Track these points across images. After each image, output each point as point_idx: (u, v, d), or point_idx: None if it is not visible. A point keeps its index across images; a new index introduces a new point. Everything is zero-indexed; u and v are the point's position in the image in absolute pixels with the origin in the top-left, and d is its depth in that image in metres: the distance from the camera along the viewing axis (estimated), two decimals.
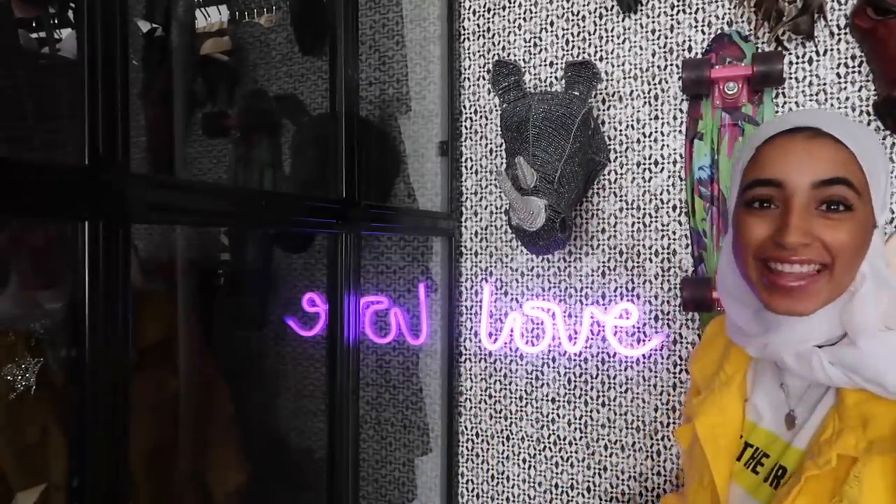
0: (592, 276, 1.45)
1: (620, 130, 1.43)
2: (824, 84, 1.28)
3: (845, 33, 1.26)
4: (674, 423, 1.38)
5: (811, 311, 0.66)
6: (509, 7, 1.53)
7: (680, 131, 1.38)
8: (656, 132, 1.40)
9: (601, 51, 1.45)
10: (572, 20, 1.47)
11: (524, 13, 1.52)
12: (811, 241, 0.64)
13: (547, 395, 1.49)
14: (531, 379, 1.51)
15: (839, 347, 0.67)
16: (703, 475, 0.78)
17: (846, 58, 1.26)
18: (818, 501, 0.65)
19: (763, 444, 0.75)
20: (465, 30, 1.58)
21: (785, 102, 1.30)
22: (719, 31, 1.35)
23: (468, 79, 1.58)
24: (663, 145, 1.39)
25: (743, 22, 1.33)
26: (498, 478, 1.55)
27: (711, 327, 0.91)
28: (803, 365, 0.68)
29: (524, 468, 1.52)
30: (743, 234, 0.69)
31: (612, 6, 1.43)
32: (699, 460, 0.80)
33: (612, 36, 1.43)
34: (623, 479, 1.43)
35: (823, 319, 0.67)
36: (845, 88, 1.26)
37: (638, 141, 1.41)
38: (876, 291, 0.67)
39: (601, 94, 1.44)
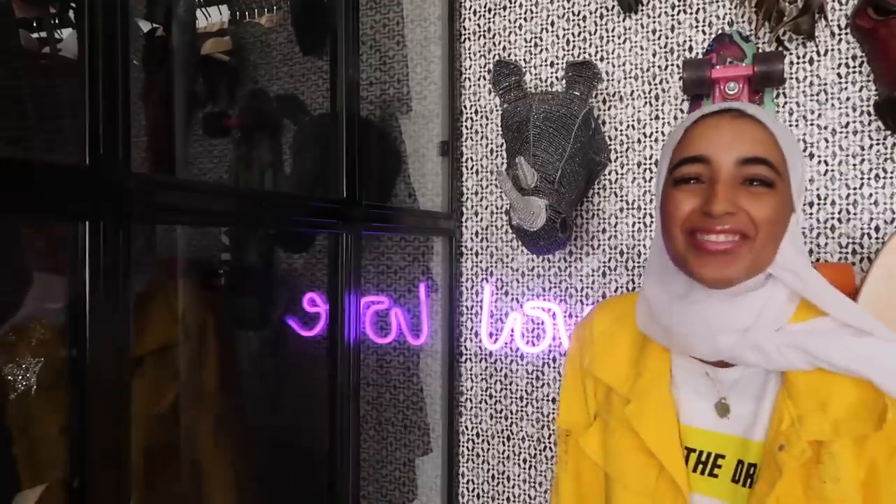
0: (593, 276, 1.45)
1: (621, 130, 1.43)
2: (825, 84, 1.28)
3: (846, 33, 1.26)
4: None
5: (737, 277, 0.68)
6: (510, 7, 1.53)
7: None
8: (657, 132, 1.40)
9: (602, 51, 1.44)
10: (573, 20, 1.47)
11: (525, 13, 1.52)
12: (736, 210, 0.67)
13: (548, 395, 1.49)
14: (532, 379, 1.50)
15: (788, 333, 0.69)
16: (643, 482, 0.76)
17: (847, 58, 1.26)
18: (793, 489, 0.66)
19: (705, 444, 0.74)
20: (465, 30, 1.58)
21: (786, 103, 1.30)
22: (720, 32, 1.34)
23: (469, 79, 1.58)
24: (664, 145, 1.39)
25: (744, 22, 1.33)
26: (498, 478, 1.55)
27: (599, 324, 0.86)
28: (755, 355, 0.69)
29: (525, 468, 1.52)
30: (672, 209, 0.72)
31: (613, 6, 1.43)
32: (637, 468, 0.76)
33: (613, 36, 1.43)
34: None
35: (745, 304, 0.69)
36: (846, 88, 1.26)
37: (639, 141, 1.41)
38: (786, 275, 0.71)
39: (602, 94, 1.44)
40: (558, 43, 1.49)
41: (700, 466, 0.74)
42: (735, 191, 0.68)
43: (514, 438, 1.53)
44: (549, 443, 1.49)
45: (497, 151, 1.55)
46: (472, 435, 1.57)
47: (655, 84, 1.40)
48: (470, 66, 1.58)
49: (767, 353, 0.68)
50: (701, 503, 0.73)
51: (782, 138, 0.70)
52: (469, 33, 1.57)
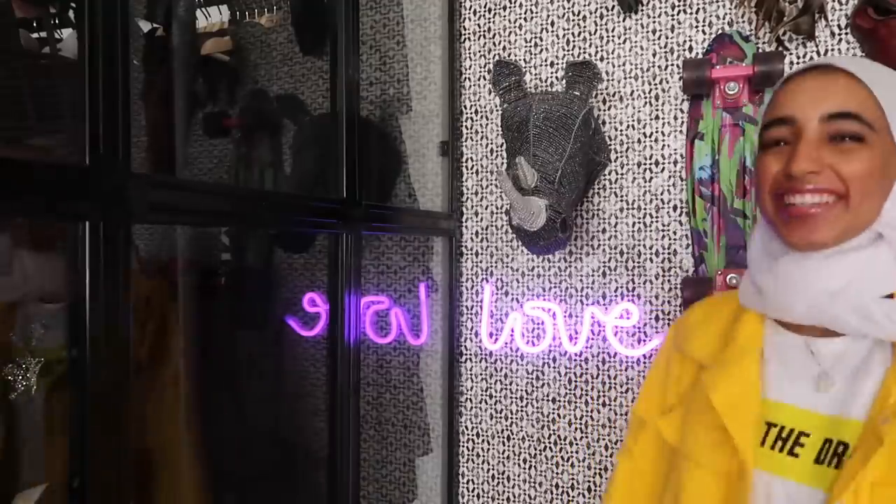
0: (593, 276, 1.45)
1: (621, 130, 1.43)
2: None
3: (846, 33, 1.26)
4: None
5: (828, 241, 0.65)
6: (510, 7, 1.53)
7: (681, 131, 1.38)
8: (657, 132, 1.40)
9: (602, 51, 1.44)
10: (573, 20, 1.47)
11: (525, 13, 1.52)
12: (821, 169, 0.64)
13: (547, 395, 1.49)
14: (532, 379, 1.51)
15: None
16: (716, 460, 0.71)
17: None
18: (892, 460, 0.60)
19: (789, 420, 0.69)
20: (465, 30, 1.58)
21: None
22: (720, 32, 1.34)
23: (469, 79, 1.58)
24: (664, 145, 1.39)
25: (744, 22, 1.33)
26: (498, 478, 1.55)
27: (694, 315, 0.85)
28: (859, 320, 0.65)
29: (525, 468, 1.52)
30: (760, 174, 0.70)
31: (613, 6, 1.43)
32: (710, 445, 0.72)
33: (613, 36, 1.43)
34: None
35: (841, 265, 0.66)
36: None
37: (639, 141, 1.41)
38: None
39: (602, 94, 1.44)
40: (558, 43, 1.49)
41: (779, 443, 0.68)
42: (820, 148, 0.65)
43: (514, 438, 1.53)
44: (549, 442, 1.49)
45: (497, 151, 1.55)
46: (472, 435, 1.57)
47: (655, 84, 1.40)
48: (470, 66, 1.58)
49: (874, 319, 0.64)
50: (772, 484, 0.67)
51: (880, 86, 0.66)
52: (469, 33, 1.57)
